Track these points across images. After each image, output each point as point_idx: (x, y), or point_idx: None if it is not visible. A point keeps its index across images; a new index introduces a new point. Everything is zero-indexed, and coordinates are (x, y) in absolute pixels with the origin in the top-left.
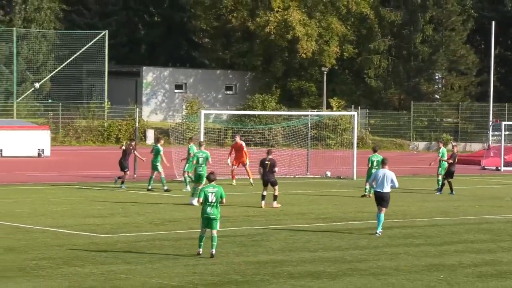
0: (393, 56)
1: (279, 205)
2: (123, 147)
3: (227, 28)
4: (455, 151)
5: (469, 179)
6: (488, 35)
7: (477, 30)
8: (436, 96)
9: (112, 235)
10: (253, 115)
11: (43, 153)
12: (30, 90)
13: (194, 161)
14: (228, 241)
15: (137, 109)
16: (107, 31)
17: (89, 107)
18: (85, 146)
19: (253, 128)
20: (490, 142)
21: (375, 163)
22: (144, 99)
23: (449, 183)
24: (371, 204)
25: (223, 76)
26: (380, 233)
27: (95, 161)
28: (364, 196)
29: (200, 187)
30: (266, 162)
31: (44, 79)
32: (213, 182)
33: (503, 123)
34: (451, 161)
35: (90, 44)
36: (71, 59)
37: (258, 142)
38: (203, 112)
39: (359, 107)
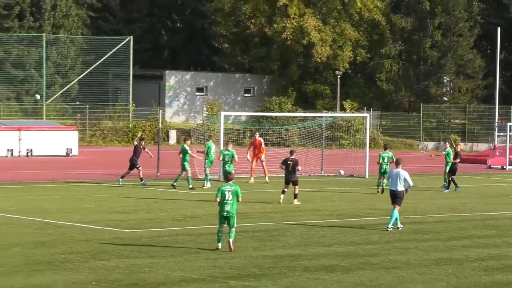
0: (403, 60)
1: (299, 203)
2: (136, 143)
3: (246, 34)
4: (458, 150)
5: (475, 178)
6: (494, 41)
7: (483, 36)
8: (445, 98)
9: (136, 230)
10: (271, 117)
11: (71, 152)
12: (59, 93)
13: (221, 158)
14: (247, 236)
15: (160, 110)
16: (131, 36)
17: (114, 109)
18: (111, 146)
19: (270, 128)
20: (496, 142)
21: (386, 159)
22: (167, 101)
23: (452, 179)
24: (383, 201)
25: (242, 79)
26: (391, 228)
27: (120, 160)
28: (380, 191)
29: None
30: (289, 162)
31: (72, 82)
32: (230, 182)
33: (508, 124)
34: (457, 160)
35: (115, 49)
36: (97, 63)
37: (275, 142)
38: (223, 113)
39: (371, 109)
